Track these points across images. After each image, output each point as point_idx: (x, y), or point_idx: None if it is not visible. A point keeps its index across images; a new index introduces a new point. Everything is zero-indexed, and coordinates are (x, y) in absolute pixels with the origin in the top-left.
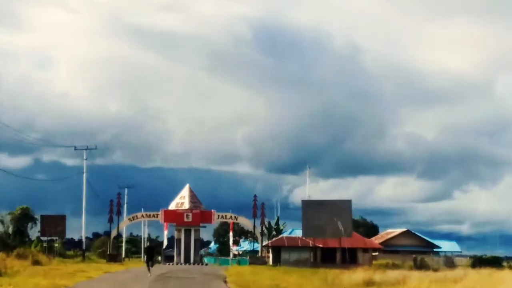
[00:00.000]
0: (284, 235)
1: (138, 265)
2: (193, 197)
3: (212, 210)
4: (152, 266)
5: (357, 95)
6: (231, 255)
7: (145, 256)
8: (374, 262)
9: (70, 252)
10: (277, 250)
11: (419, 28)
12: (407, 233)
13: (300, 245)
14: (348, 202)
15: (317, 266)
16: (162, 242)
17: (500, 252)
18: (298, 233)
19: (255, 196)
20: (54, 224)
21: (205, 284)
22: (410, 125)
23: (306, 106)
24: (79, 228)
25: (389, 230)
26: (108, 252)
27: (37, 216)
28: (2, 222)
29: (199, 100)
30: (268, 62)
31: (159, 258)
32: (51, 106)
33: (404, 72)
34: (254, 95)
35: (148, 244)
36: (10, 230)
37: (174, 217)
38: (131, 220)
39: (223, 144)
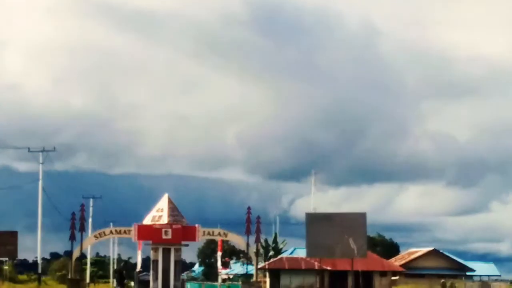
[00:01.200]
0: (284, 255)
1: None
2: (173, 209)
3: (197, 225)
4: None
5: (374, 86)
6: (219, 280)
7: (115, 281)
8: None
9: (23, 276)
10: (275, 274)
11: (448, 6)
12: (435, 253)
13: (303, 267)
14: (362, 215)
15: None
16: (135, 264)
17: None
18: (301, 253)
19: (249, 208)
20: (3, 242)
21: None
22: (437, 123)
23: (312, 99)
24: (34, 247)
25: (413, 250)
26: (69, 276)
27: None
28: None
29: (182, 92)
30: (266, 46)
31: (132, 283)
32: None
33: (430, 59)
34: (249, 86)
35: (118, 266)
36: None
37: (150, 233)
38: (97, 238)
39: (210, 145)
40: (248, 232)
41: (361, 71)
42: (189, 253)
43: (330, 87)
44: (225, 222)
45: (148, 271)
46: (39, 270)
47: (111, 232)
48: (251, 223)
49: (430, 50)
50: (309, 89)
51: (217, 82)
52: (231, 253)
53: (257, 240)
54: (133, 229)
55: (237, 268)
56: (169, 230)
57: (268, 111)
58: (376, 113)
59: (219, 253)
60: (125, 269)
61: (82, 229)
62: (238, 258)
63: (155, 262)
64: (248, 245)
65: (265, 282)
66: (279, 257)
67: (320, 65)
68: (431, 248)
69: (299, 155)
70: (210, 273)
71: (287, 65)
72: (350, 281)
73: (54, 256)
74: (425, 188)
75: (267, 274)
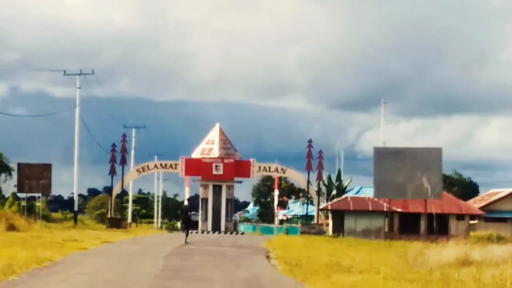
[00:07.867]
0: (349, 195)
1: (149, 233)
2: (225, 141)
3: (251, 160)
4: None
5: (453, 5)
6: (276, 221)
7: (181, 219)
8: (472, 233)
9: (58, 214)
10: (339, 216)
11: None
12: None
13: (371, 209)
14: (438, 151)
15: (393, 238)
16: (182, 203)
17: None
18: (369, 192)
19: (310, 141)
20: (36, 176)
21: (240, 260)
22: None
23: (384, 19)
24: (70, 182)
25: (494, 190)
26: (108, 215)
27: (13, 165)
28: None
29: (236, 9)
30: None
31: (178, 224)
32: (33, 17)
33: None
34: (314, 2)
35: (185, 203)
36: None
37: (199, 168)
38: (140, 172)
39: (268, 70)
40: (309, 168)
41: None
42: (243, 191)
43: (404, 5)
44: (284, 157)
45: (197, 211)
46: (76, 208)
47: (155, 166)
48: (312, 158)
49: None
50: (380, 7)
51: None
52: (290, 191)
53: (319, 178)
54: (180, 163)
55: (296, 208)
56: (221, 165)
57: (334, 32)
58: (455, 36)
59: (276, 192)
60: (192, 206)
61: (124, 162)
62: (297, 198)
63: (205, 200)
64: (308, 182)
65: (327, 224)
66: (343, 196)
67: None
68: None
69: (368, 82)
70: (265, 214)
71: None
72: (422, 224)
73: (92, 192)
74: (510, 121)
75: (330, 215)
